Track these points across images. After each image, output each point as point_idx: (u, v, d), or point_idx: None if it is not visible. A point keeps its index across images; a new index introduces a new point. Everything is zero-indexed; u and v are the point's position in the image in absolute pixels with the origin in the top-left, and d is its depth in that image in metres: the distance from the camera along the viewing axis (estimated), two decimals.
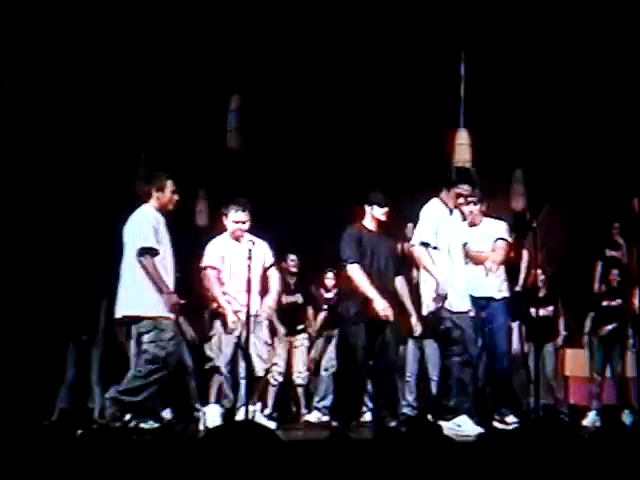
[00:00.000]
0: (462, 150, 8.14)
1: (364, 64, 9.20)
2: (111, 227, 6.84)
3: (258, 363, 7.32)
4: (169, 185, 6.85)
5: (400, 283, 7.44)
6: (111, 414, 6.59)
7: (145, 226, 6.65)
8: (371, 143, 10.06)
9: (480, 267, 7.64)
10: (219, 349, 7.33)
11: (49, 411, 8.70)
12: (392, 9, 8.48)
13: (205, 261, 7.40)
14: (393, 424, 7.29)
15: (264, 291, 7.48)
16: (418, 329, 7.51)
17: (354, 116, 9.86)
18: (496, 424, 7.30)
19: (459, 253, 7.11)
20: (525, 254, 8.85)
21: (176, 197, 6.89)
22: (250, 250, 6.95)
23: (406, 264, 7.80)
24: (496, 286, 7.75)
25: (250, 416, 6.95)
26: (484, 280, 7.66)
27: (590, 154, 10.19)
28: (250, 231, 7.45)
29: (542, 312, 9.07)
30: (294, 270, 9.65)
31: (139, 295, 6.63)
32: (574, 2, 8.39)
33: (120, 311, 6.74)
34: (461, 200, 6.95)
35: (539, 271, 9.13)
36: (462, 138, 8.20)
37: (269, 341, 7.58)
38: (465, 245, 7.32)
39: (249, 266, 6.95)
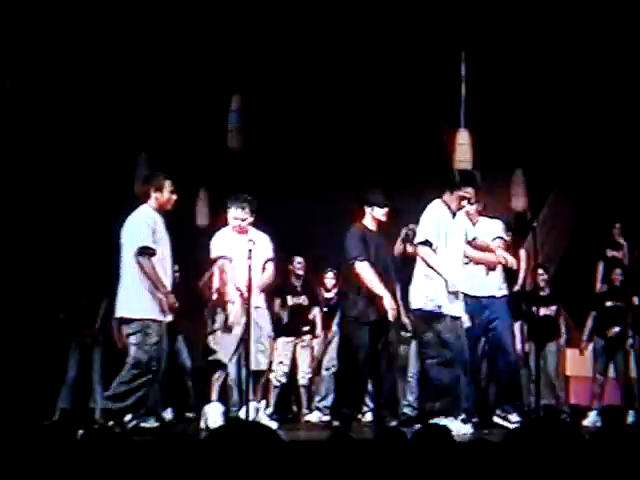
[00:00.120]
0: (463, 150, 8.14)
1: (365, 64, 9.21)
2: (112, 227, 6.83)
3: (261, 357, 7.37)
4: (167, 185, 6.85)
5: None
6: (105, 421, 6.58)
7: (142, 226, 6.65)
8: (371, 143, 10.07)
9: (480, 267, 7.64)
10: (221, 343, 7.33)
11: (50, 411, 8.71)
12: (393, 9, 8.48)
13: (215, 252, 7.44)
14: (394, 424, 7.30)
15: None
16: (408, 327, 7.52)
17: (355, 116, 9.87)
18: (501, 422, 7.28)
19: (459, 256, 7.09)
20: (523, 253, 8.85)
21: (174, 197, 6.88)
22: (250, 250, 6.96)
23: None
24: (496, 284, 7.75)
25: (253, 414, 6.96)
26: (484, 279, 7.65)
27: (591, 154, 10.20)
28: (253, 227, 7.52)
29: (545, 311, 9.10)
30: (300, 273, 9.66)
31: (129, 297, 6.64)
32: (574, 2, 8.39)
33: (116, 312, 6.77)
34: (464, 203, 6.94)
35: (542, 270, 9.17)
36: (463, 138, 8.21)
37: (272, 334, 7.61)
38: (475, 239, 7.29)
39: (249, 266, 6.96)
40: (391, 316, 7.08)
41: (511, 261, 7.43)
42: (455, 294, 6.97)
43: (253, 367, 7.32)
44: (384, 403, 7.46)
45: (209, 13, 8.50)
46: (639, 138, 9.63)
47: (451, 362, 6.92)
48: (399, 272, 7.64)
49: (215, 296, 7.54)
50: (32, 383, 8.81)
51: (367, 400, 8.33)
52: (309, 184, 10.22)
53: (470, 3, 8.16)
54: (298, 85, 9.47)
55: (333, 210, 9.27)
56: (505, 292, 7.83)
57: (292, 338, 9.50)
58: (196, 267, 9.26)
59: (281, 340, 9.28)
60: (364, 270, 7.19)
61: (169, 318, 6.79)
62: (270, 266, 7.57)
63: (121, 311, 6.70)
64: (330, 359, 9.48)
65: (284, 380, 9.36)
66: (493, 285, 7.71)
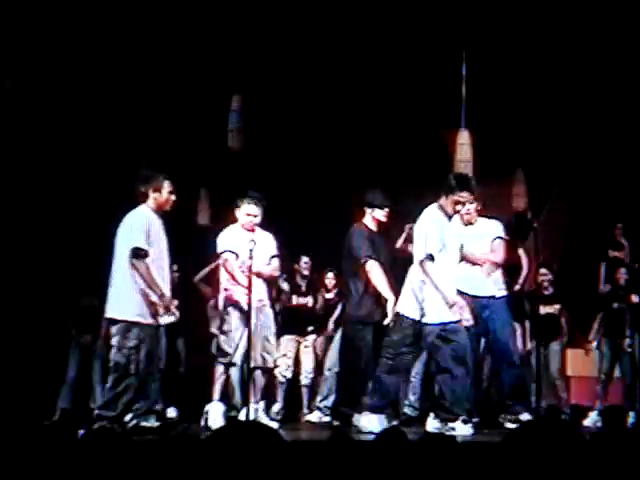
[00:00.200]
0: (463, 150, 8.13)
1: (365, 64, 9.20)
2: (110, 228, 6.83)
3: (268, 355, 7.42)
4: (166, 186, 6.83)
5: None
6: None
7: (136, 228, 6.64)
8: (372, 143, 10.06)
9: (477, 265, 7.63)
10: (233, 344, 7.32)
11: (50, 411, 8.71)
12: (393, 9, 8.48)
13: (221, 247, 7.45)
14: (394, 423, 7.30)
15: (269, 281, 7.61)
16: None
17: (355, 116, 9.86)
18: (512, 425, 7.26)
19: (455, 260, 7.04)
20: (522, 254, 8.84)
21: (173, 198, 6.87)
22: (251, 250, 6.96)
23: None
24: (496, 285, 7.75)
25: (253, 415, 6.96)
26: (484, 279, 7.65)
27: (592, 154, 10.19)
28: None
29: (549, 310, 9.11)
30: (306, 273, 9.67)
31: (117, 297, 6.63)
32: (574, 2, 8.38)
33: (105, 312, 6.77)
34: (459, 207, 6.92)
35: (546, 270, 9.17)
36: (463, 138, 8.20)
37: (274, 330, 7.64)
38: (461, 248, 7.28)
39: (250, 266, 6.96)
40: (389, 321, 7.07)
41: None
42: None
43: (260, 364, 7.34)
44: (386, 403, 7.44)
45: (209, 13, 8.50)
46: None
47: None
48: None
49: (222, 295, 7.54)
50: (32, 383, 8.80)
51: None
52: (309, 184, 10.21)
53: (471, 3, 8.15)
54: (299, 85, 9.46)
55: (333, 210, 9.27)
56: (505, 293, 7.82)
57: (296, 336, 9.52)
58: (196, 267, 9.28)
59: (284, 337, 9.30)
60: (373, 270, 7.19)
61: (167, 320, 6.78)
62: (276, 261, 7.59)
63: (109, 311, 6.70)
64: (332, 359, 9.48)
65: (289, 375, 9.40)
66: (492, 286, 7.71)
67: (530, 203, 9.64)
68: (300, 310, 9.60)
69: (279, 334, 8.54)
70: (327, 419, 8.98)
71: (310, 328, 9.65)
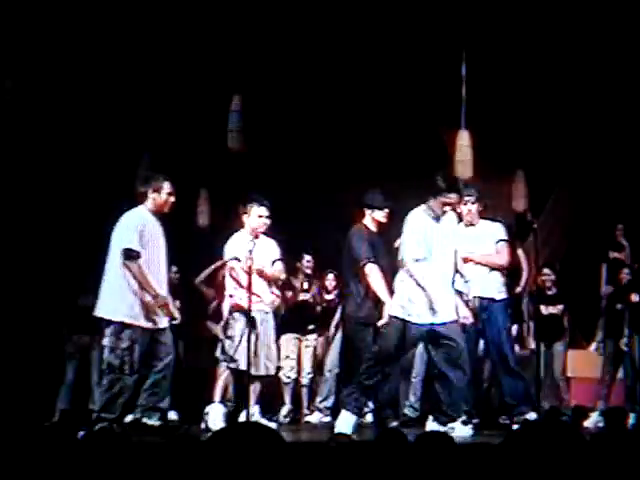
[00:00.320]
0: (463, 151, 8.13)
1: (365, 65, 9.19)
2: (107, 229, 6.82)
3: (270, 363, 7.50)
4: (166, 187, 6.82)
5: None
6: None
7: (129, 228, 6.64)
8: (372, 144, 10.06)
9: (479, 267, 7.62)
10: (240, 350, 7.33)
11: (50, 412, 8.70)
12: (393, 10, 8.47)
13: (229, 254, 7.49)
14: (395, 424, 7.30)
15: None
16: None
17: (356, 117, 9.86)
18: (515, 426, 7.25)
19: (446, 260, 6.99)
20: (522, 255, 8.84)
21: (172, 199, 6.86)
22: (250, 251, 6.98)
23: None
24: (497, 287, 7.74)
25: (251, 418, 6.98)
26: (485, 280, 7.64)
27: (592, 154, 10.19)
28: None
29: (552, 310, 9.11)
30: (308, 272, 9.68)
31: (109, 297, 6.64)
32: (574, 2, 8.38)
33: (95, 311, 6.76)
34: (447, 208, 6.90)
35: (549, 270, 9.18)
36: (463, 139, 8.20)
37: (274, 337, 7.72)
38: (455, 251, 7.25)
39: (250, 267, 6.98)
40: (382, 323, 7.08)
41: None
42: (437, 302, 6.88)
43: (262, 373, 7.38)
44: (385, 404, 7.45)
45: (210, 13, 8.49)
46: None
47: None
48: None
49: (228, 301, 7.56)
50: (31, 384, 8.79)
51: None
52: (309, 185, 10.21)
53: (471, 4, 8.14)
54: (299, 86, 9.46)
55: (333, 211, 9.26)
56: (505, 295, 7.81)
57: (297, 334, 9.54)
58: (196, 268, 9.27)
59: (286, 336, 9.32)
60: (372, 273, 7.19)
61: (165, 323, 6.76)
62: (279, 264, 7.63)
63: (99, 311, 6.69)
64: (332, 360, 9.48)
65: (294, 375, 9.44)
66: (493, 287, 7.70)
67: (530, 204, 9.64)
68: (301, 308, 9.60)
69: (280, 333, 8.57)
70: (327, 419, 9.00)
71: (311, 326, 9.66)
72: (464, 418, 7.02)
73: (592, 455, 3.20)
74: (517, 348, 8.61)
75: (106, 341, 6.59)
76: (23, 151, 9.12)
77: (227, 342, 7.43)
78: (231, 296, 7.52)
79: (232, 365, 7.35)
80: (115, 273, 6.60)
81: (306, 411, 9.52)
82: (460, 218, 7.61)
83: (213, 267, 8.70)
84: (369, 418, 8.34)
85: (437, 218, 6.91)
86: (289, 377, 9.40)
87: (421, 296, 6.76)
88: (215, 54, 8.85)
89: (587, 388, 9.54)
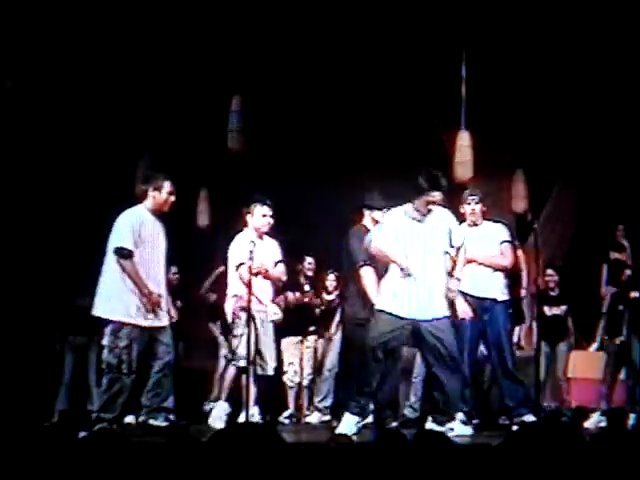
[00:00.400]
0: (463, 151, 8.13)
1: (366, 65, 9.20)
2: (105, 228, 6.82)
3: (272, 362, 7.53)
4: (166, 186, 6.82)
5: None
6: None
7: (125, 227, 6.65)
8: (372, 144, 10.06)
9: (482, 267, 7.62)
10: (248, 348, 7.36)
11: (49, 413, 8.69)
12: (393, 10, 8.47)
13: (234, 255, 7.51)
14: (394, 425, 7.30)
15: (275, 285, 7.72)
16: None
17: (356, 117, 9.86)
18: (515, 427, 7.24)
19: (423, 260, 6.94)
20: (521, 255, 8.83)
21: (172, 199, 6.85)
22: (251, 252, 6.98)
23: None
24: (499, 288, 7.72)
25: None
26: (488, 281, 7.63)
27: (592, 155, 10.19)
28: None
29: (555, 311, 9.11)
30: (309, 274, 9.69)
31: (106, 296, 6.64)
32: (574, 3, 8.38)
33: (93, 310, 6.76)
34: (431, 207, 6.87)
35: (552, 271, 9.16)
36: (463, 139, 8.20)
37: (274, 337, 7.73)
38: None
39: (250, 267, 6.98)
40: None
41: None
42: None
43: (259, 372, 7.39)
44: (385, 404, 7.44)
45: (209, 14, 8.49)
46: None
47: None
48: None
49: (231, 301, 7.56)
50: (29, 385, 8.79)
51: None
52: (310, 185, 10.21)
53: (471, 4, 8.15)
54: (299, 86, 9.46)
55: (334, 212, 9.26)
56: (507, 297, 7.80)
57: (299, 338, 9.54)
58: (196, 269, 9.27)
59: (288, 340, 9.33)
60: (367, 276, 7.19)
61: (163, 321, 6.76)
62: (281, 266, 7.66)
63: (97, 310, 6.69)
64: (332, 360, 9.49)
65: (297, 380, 9.46)
66: (496, 288, 7.68)
67: (530, 204, 9.63)
68: (302, 309, 9.61)
69: (281, 335, 8.57)
70: (327, 419, 9.01)
71: (312, 328, 9.66)
72: (463, 418, 7.01)
73: (591, 455, 3.20)
74: (517, 350, 8.59)
75: (105, 340, 6.60)
76: (22, 151, 9.12)
77: (235, 341, 7.43)
78: (238, 296, 7.51)
79: (241, 363, 7.35)
80: (112, 272, 6.60)
81: (306, 412, 9.53)
82: (463, 218, 7.61)
83: (214, 275, 8.73)
84: (369, 419, 8.35)
85: (421, 218, 6.83)
86: (293, 381, 9.42)
87: (396, 289, 6.77)
88: (215, 55, 8.85)
89: (587, 388, 9.54)
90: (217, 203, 9.99)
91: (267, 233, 7.67)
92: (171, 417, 6.78)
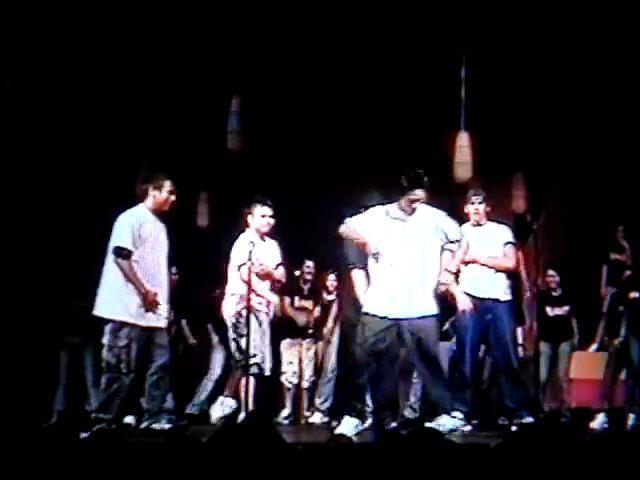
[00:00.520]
0: (463, 152, 8.13)
1: (365, 66, 9.19)
2: (106, 228, 6.84)
3: (268, 363, 7.55)
4: (167, 185, 6.84)
5: None
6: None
7: (124, 227, 6.66)
8: (372, 145, 10.06)
9: (485, 267, 7.62)
10: (256, 348, 7.36)
11: (47, 414, 8.68)
12: (393, 11, 8.47)
13: (236, 256, 7.51)
14: (393, 425, 7.30)
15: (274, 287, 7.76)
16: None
17: (355, 118, 9.86)
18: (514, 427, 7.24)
19: (407, 258, 6.91)
20: (521, 256, 8.83)
21: (173, 198, 6.86)
22: (250, 252, 6.98)
23: None
24: (502, 288, 7.72)
25: (228, 409, 7.02)
26: (491, 281, 7.63)
27: (592, 156, 10.18)
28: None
29: (558, 312, 9.12)
30: (309, 277, 9.68)
31: (106, 296, 6.65)
32: (574, 4, 8.38)
33: (94, 309, 6.77)
34: (415, 205, 6.86)
35: (554, 271, 9.17)
36: (463, 140, 8.20)
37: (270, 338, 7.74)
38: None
39: (249, 268, 6.98)
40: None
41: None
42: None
43: (258, 371, 7.41)
44: (384, 405, 7.44)
45: (209, 14, 8.49)
46: None
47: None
48: None
49: (234, 300, 7.56)
50: (27, 386, 8.78)
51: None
52: (310, 186, 10.21)
53: (470, 5, 8.14)
54: (299, 86, 9.46)
55: (334, 212, 9.25)
56: (509, 297, 7.80)
57: (298, 339, 9.54)
58: (196, 269, 9.26)
59: (287, 342, 9.33)
60: (357, 278, 7.20)
61: (161, 322, 6.76)
62: (281, 268, 7.68)
63: (98, 310, 6.70)
64: (332, 361, 9.49)
65: (295, 381, 9.47)
66: (499, 289, 7.69)
67: (530, 205, 9.63)
68: (301, 312, 9.61)
69: (280, 338, 8.58)
70: (327, 420, 9.01)
71: (311, 331, 9.66)
72: (458, 414, 6.99)
73: (591, 456, 3.20)
74: (520, 351, 8.59)
75: (105, 339, 6.61)
76: (22, 152, 9.12)
77: (242, 341, 7.43)
78: (240, 297, 7.51)
79: (253, 360, 7.35)
80: (113, 272, 6.61)
81: (307, 412, 9.53)
82: (467, 218, 7.62)
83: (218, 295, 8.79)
84: (368, 419, 8.36)
85: (404, 218, 6.80)
86: (291, 382, 9.42)
87: (378, 290, 6.77)
88: (215, 55, 8.85)
89: (587, 389, 9.54)
90: (217, 204, 9.99)
91: (268, 234, 7.67)
92: (173, 418, 6.78)
